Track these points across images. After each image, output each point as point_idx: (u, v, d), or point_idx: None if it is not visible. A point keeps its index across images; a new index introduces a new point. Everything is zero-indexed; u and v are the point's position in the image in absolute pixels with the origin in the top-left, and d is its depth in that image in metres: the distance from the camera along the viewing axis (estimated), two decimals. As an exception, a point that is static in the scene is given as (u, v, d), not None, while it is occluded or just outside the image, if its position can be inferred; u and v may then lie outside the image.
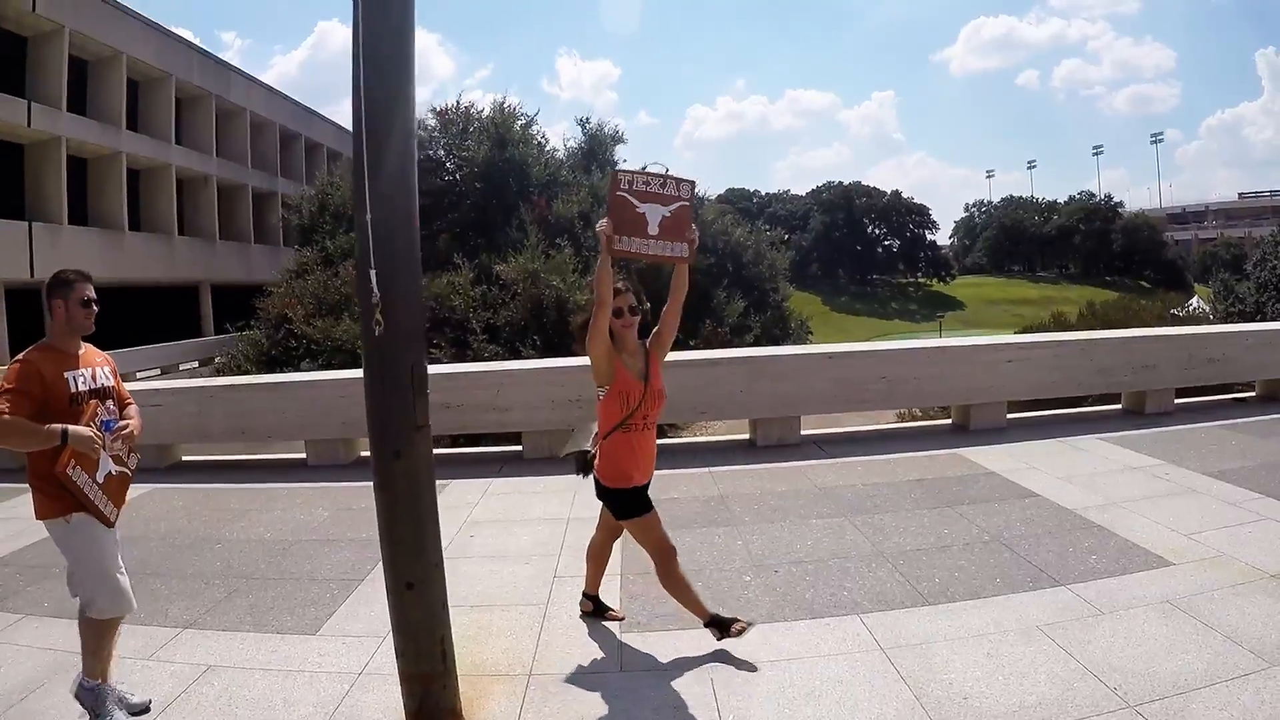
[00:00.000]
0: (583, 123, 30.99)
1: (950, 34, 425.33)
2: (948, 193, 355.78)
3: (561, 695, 4.14)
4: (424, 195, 22.83)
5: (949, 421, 10.44)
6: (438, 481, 7.81)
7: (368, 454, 9.61)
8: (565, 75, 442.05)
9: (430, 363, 13.17)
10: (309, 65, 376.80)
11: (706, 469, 8.43)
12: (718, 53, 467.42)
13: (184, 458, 10.15)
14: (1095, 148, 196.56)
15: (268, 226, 48.57)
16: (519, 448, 9.62)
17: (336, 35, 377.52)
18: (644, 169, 4.43)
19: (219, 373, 26.27)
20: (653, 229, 4.20)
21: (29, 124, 33.07)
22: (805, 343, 29.27)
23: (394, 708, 3.93)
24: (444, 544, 6.10)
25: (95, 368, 4.11)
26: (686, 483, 7.96)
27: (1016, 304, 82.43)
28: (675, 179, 4.27)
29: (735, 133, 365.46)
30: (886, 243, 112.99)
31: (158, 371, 33.75)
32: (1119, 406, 10.83)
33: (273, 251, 46.85)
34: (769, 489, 7.68)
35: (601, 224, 4.18)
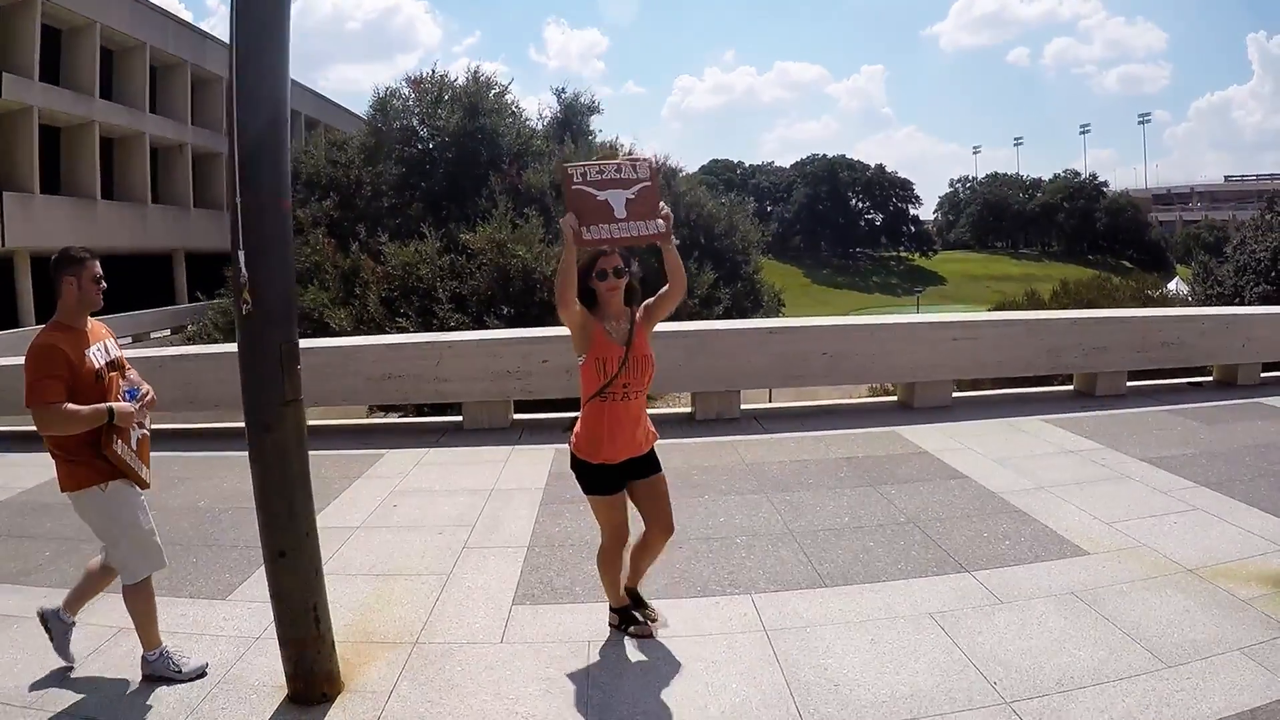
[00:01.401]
0: (559, 92, 30.72)
1: (941, 9, 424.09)
2: (936, 168, 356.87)
3: (440, 663, 4.19)
4: (398, 164, 22.93)
5: (895, 399, 10.30)
6: (372, 452, 8.34)
7: (313, 422, 9.70)
8: (553, 44, 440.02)
9: (397, 332, 13.22)
10: (295, 30, 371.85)
11: (661, 441, 8.24)
12: (707, 23, 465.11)
13: None
14: (1083, 126, 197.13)
15: (244, 194, 48.11)
16: (460, 418, 9.63)
17: (324, 2, 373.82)
18: (595, 159, 4.03)
19: (189, 341, 26.19)
20: (620, 212, 3.95)
21: (0, 94, 32.66)
22: (777, 315, 29.26)
23: (279, 670, 3.96)
24: (366, 514, 6.30)
25: (103, 340, 4.16)
26: None
27: (998, 280, 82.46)
28: (630, 161, 4.05)
29: (723, 104, 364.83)
30: (870, 216, 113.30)
31: (129, 340, 33.11)
32: (1071, 388, 10.71)
33: (247, 218, 46.45)
34: (697, 463, 7.58)
35: (566, 219, 3.91)
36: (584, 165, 4.01)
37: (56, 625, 4.26)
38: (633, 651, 4.29)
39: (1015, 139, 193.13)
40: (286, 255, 3.75)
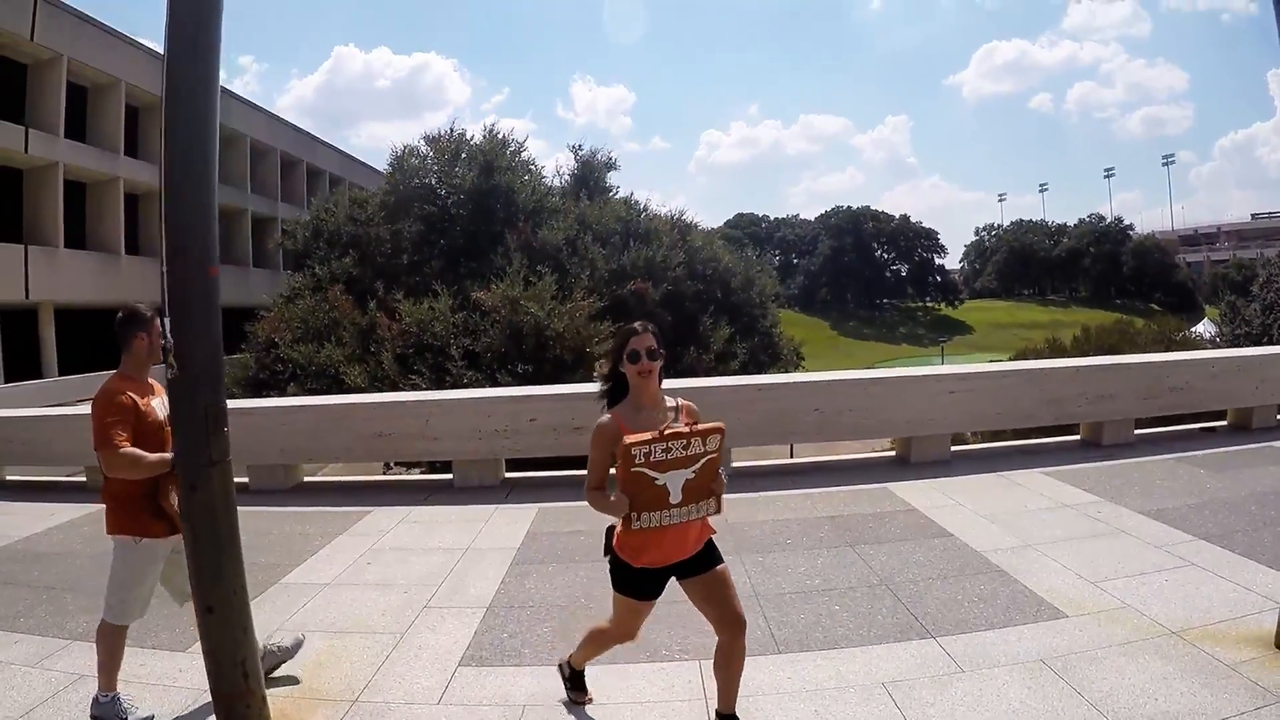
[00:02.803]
0: (575, 149, 31.07)
1: (963, 59, 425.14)
2: (962, 216, 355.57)
3: None
4: (416, 221, 23.19)
5: (893, 454, 10.03)
6: (359, 509, 8.36)
7: (310, 479, 9.70)
8: (580, 100, 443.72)
9: (410, 389, 13.29)
10: (325, 89, 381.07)
11: None
12: (732, 78, 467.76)
13: None
14: (1107, 170, 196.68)
15: (267, 251, 48.63)
16: (450, 476, 9.64)
17: (354, 60, 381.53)
18: (662, 432, 3.51)
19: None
20: (675, 496, 3.55)
21: (26, 150, 33.14)
22: (796, 368, 29.06)
23: (221, 723, 3.98)
24: (338, 571, 6.34)
25: (161, 395, 4.40)
26: (597, 518, 7.56)
27: (1025, 328, 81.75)
28: (703, 432, 3.56)
29: (749, 158, 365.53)
30: (895, 267, 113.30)
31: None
32: (1078, 438, 10.40)
33: (272, 275, 46.83)
34: None
35: (617, 502, 3.54)
36: (649, 442, 3.49)
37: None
38: (568, 717, 4.22)
39: (1040, 185, 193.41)
40: (212, 321, 3.82)
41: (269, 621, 5.08)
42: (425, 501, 8.74)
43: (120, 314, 4.36)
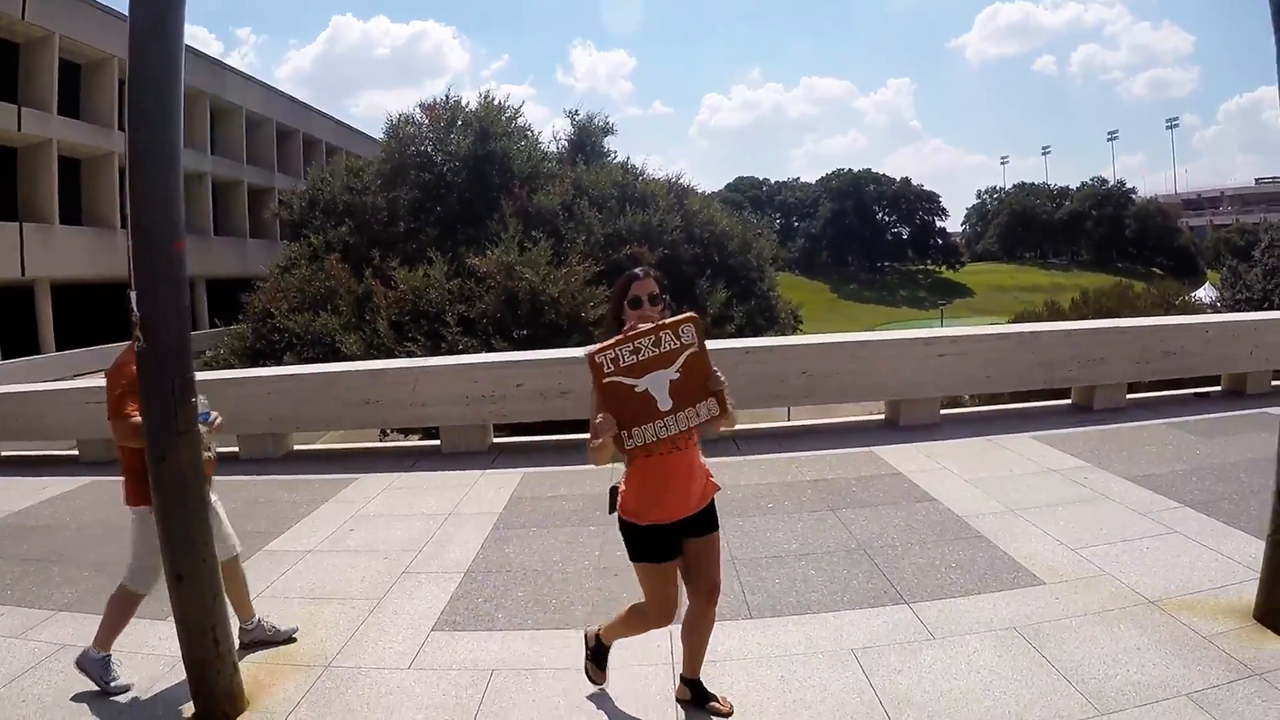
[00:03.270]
0: (571, 114, 30.76)
1: (966, 20, 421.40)
2: (964, 179, 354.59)
3: (344, 687, 4.24)
4: (412, 189, 23.09)
5: (883, 417, 9.99)
6: (347, 476, 8.43)
7: (300, 447, 9.73)
8: (580, 66, 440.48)
9: (404, 355, 13.38)
10: (323, 59, 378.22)
11: (612, 465, 8.06)
12: (733, 41, 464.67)
13: None
14: (1110, 133, 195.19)
15: (264, 221, 48.58)
16: (438, 442, 9.70)
17: (351, 29, 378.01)
18: (626, 333, 3.32)
19: (207, 366, 26.36)
20: (664, 402, 3.27)
21: (19, 128, 33.19)
22: (794, 332, 29.00)
23: (192, 689, 4.10)
24: (321, 538, 6.35)
25: None
26: (582, 479, 7.85)
27: (1026, 291, 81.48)
28: (671, 324, 3.31)
29: (751, 121, 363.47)
30: (896, 230, 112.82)
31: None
32: (1069, 401, 10.34)
33: (269, 246, 46.78)
34: None
35: (602, 425, 3.25)
36: (613, 347, 3.28)
37: (255, 633, 4.71)
38: (536, 681, 4.23)
39: (1043, 148, 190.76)
40: (179, 295, 3.87)
41: (253, 586, 5.02)
42: (413, 468, 8.78)
43: None
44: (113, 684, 4.30)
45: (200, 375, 11.71)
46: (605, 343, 3.33)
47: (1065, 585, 4.97)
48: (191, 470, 3.89)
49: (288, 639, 4.75)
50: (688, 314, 3.39)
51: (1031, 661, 4.09)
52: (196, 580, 3.93)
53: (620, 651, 4.20)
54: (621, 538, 3.61)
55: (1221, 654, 4.08)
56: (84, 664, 4.33)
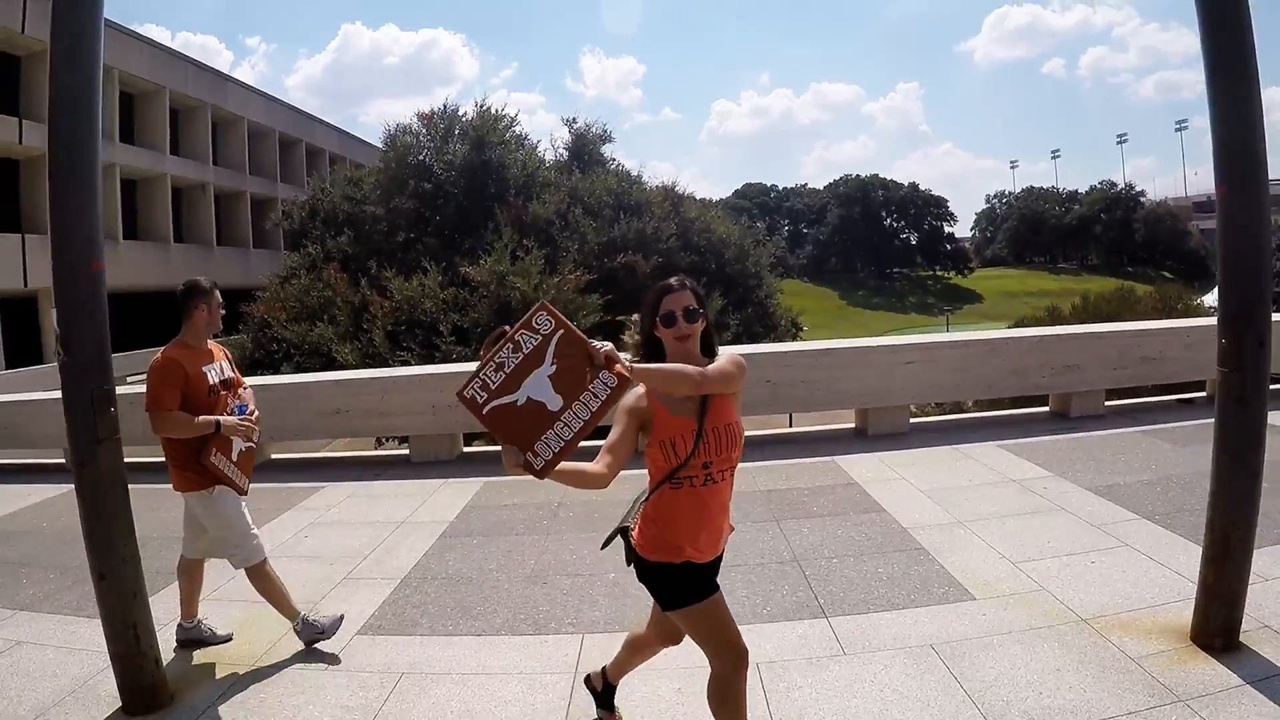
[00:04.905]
0: (569, 122, 30.69)
1: (974, 24, 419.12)
2: (975, 183, 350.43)
3: (264, 687, 4.38)
4: (410, 199, 23.13)
5: (852, 426, 9.88)
6: (313, 484, 8.52)
7: (276, 456, 9.72)
8: (590, 73, 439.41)
9: (399, 364, 13.45)
10: (333, 68, 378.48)
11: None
12: (742, 48, 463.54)
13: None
14: (1119, 136, 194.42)
15: (267, 232, 48.84)
16: (408, 451, 9.86)
17: (361, 38, 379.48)
18: (482, 355, 2.97)
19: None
20: (553, 401, 2.88)
21: (20, 140, 33.62)
22: (793, 339, 28.84)
23: (124, 683, 4.26)
24: (275, 545, 6.50)
25: (220, 362, 4.79)
26: (536, 489, 7.69)
27: (1035, 296, 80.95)
28: (523, 325, 2.94)
29: (761, 128, 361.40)
30: (905, 236, 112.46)
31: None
32: (1048, 409, 10.20)
33: (272, 256, 46.93)
34: (611, 497, 7.24)
35: (507, 458, 2.87)
36: (477, 375, 2.93)
37: (191, 631, 4.91)
38: (436, 687, 4.29)
39: (1053, 152, 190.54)
40: (97, 313, 4.05)
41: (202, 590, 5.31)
42: (380, 476, 8.89)
43: (183, 285, 4.73)
44: (327, 627, 4.80)
45: None
46: (468, 375, 2.96)
47: (996, 601, 4.84)
48: (110, 475, 4.06)
49: (222, 642, 4.91)
50: (536, 305, 3.01)
51: (940, 681, 3.96)
52: (117, 579, 4.09)
53: (529, 660, 4.32)
54: (646, 587, 3.20)
55: (1147, 678, 3.90)
56: (304, 636, 4.78)
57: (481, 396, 2.91)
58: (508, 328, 2.98)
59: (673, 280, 3.15)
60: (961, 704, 3.76)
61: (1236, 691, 3.70)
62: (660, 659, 4.27)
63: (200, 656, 4.77)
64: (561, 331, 2.90)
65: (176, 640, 4.84)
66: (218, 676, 4.51)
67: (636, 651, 3.65)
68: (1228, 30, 4.08)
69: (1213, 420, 8.45)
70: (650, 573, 3.13)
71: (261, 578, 4.76)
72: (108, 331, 4.12)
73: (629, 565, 3.22)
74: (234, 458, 4.64)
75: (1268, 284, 4.17)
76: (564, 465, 2.88)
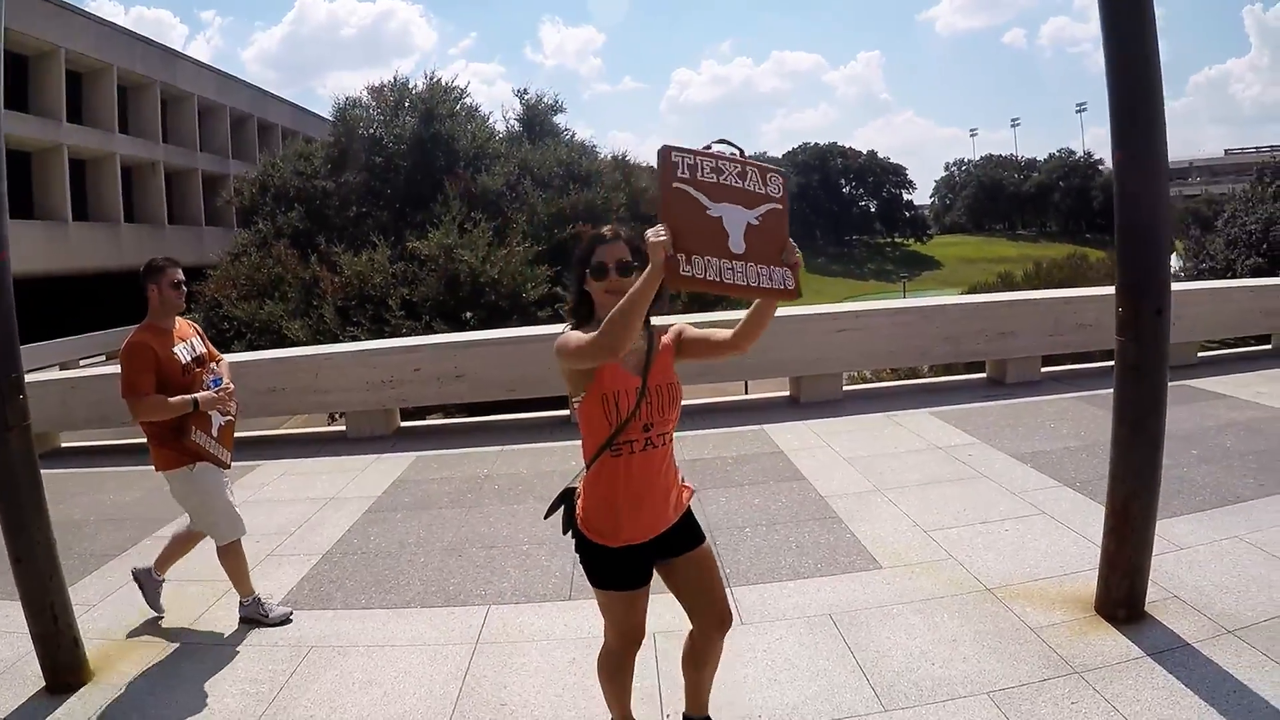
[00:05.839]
0: (520, 93, 30.38)
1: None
2: (936, 151, 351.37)
3: (180, 662, 4.44)
4: (360, 172, 22.85)
5: (788, 394, 9.86)
6: (250, 463, 8.34)
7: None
8: (549, 43, 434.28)
9: (349, 340, 13.44)
10: (290, 40, 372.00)
11: (505, 447, 8.43)
12: (703, 15, 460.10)
13: (65, 443, 10.54)
14: (1079, 105, 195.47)
15: (219, 210, 48.22)
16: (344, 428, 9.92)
17: (318, 9, 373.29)
18: (708, 147, 2.66)
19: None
20: (736, 243, 2.59)
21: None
22: (746, 306, 28.87)
23: (52, 663, 4.33)
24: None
25: (190, 339, 4.74)
26: (469, 462, 7.96)
27: (994, 262, 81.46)
28: (758, 165, 2.68)
29: (721, 96, 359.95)
30: (864, 203, 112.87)
31: (103, 358, 33.36)
32: (985, 376, 10.22)
33: (225, 234, 46.03)
34: (538, 469, 7.53)
35: (655, 232, 2.47)
36: (695, 152, 2.60)
37: (148, 582, 4.96)
38: (340, 657, 4.35)
39: (1013, 120, 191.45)
40: (4, 300, 4.07)
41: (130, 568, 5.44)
42: (317, 453, 8.84)
43: (142, 268, 4.67)
44: (272, 615, 4.80)
45: (115, 369, 11.86)
46: (683, 146, 2.61)
47: (902, 570, 4.82)
48: (23, 460, 4.10)
49: (282, 622, 4.86)
50: (777, 166, 2.79)
51: (833, 651, 3.93)
52: (32, 561, 4.13)
53: (433, 631, 4.50)
54: (578, 556, 3.01)
55: (1044, 648, 3.85)
56: (244, 613, 4.81)
57: (683, 172, 2.56)
58: (748, 157, 2.72)
59: (605, 230, 2.90)
60: (851, 673, 3.72)
61: (1134, 664, 3.67)
62: (565, 628, 4.35)
63: (122, 635, 4.79)
64: (779, 209, 2.71)
65: (239, 618, 4.88)
66: (138, 654, 4.53)
67: (703, 666, 3.18)
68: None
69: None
70: (587, 548, 2.93)
71: (232, 554, 4.80)
72: (14, 319, 4.14)
73: (566, 533, 3.02)
74: (214, 433, 4.64)
75: (1164, 251, 4.15)
76: (647, 299, 2.48)
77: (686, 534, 3.01)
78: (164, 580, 5.02)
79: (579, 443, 2.96)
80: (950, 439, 7.52)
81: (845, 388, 9.67)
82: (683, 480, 3.10)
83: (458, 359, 9.25)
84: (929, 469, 6.72)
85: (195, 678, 4.22)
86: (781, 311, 2.54)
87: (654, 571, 2.97)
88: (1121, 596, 4.12)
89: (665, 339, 2.98)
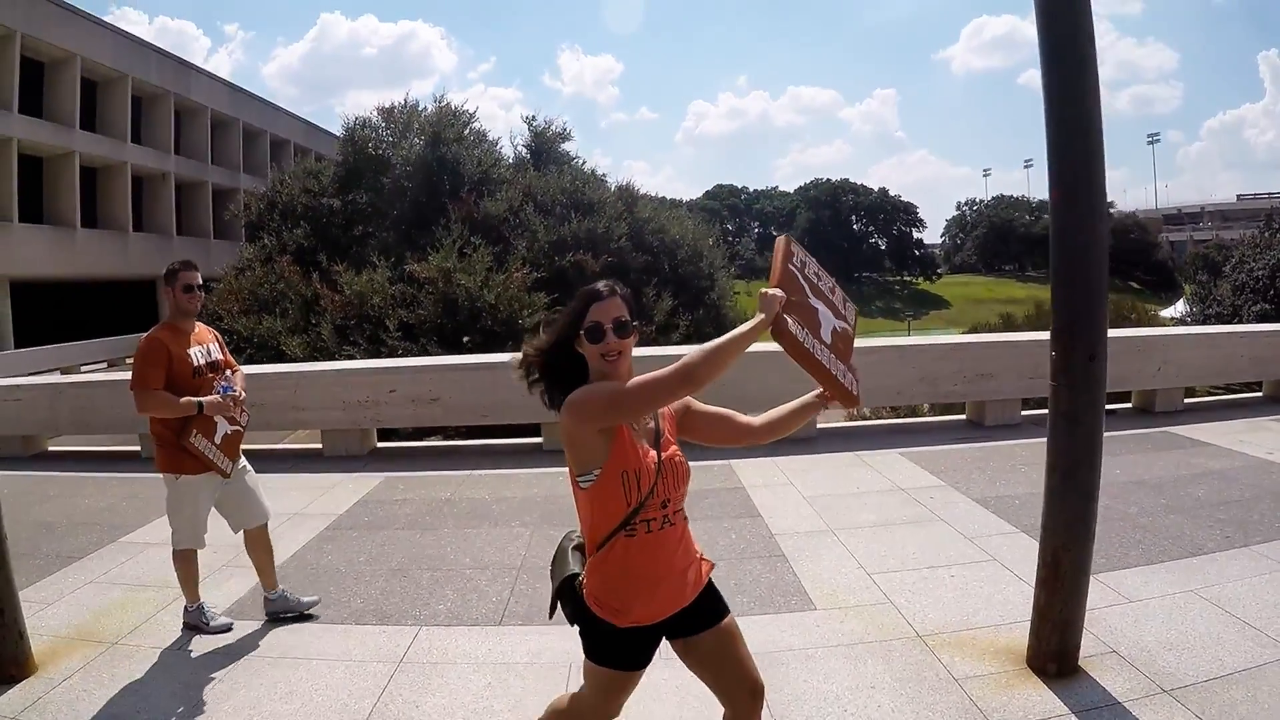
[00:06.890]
0: (529, 120, 30.67)
1: (953, 32, 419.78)
2: (948, 190, 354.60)
3: (120, 662, 4.56)
4: (367, 192, 23.09)
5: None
6: None
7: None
8: (568, 70, 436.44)
9: (345, 359, 13.58)
10: (311, 57, 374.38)
11: (471, 472, 8.48)
12: (720, 49, 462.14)
13: (53, 447, 10.80)
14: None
15: (228, 223, 48.54)
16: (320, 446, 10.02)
17: (340, 28, 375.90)
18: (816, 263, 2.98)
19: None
20: (825, 333, 2.84)
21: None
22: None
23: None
24: (170, 533, 6.05)
25: (207, 344, 4.88)
26: (433, 485, 8.03)
27: (1002, 303, 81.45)
28: (842, 291, 3.10)
29: (737, 129, 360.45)
30: (874, 240, 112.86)
31: (105, 364, 33.70)
32: (964, 417, 10.18)
33: (232, 247, 46.34)
34: (499, 494, 7.54)
35: (771, 295, 2.62)
36: (806, 253, 2.95)
37: (277, 604, 5.08)
38: (268, 669, 4.46)
39: (1025, 161, 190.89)
40: None
41: (92, 571, 5.96)
42: (293, 469, 8.94)
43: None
44: (212, 624, 4.90)
45: (95, 377, 11.84)
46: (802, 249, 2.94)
47: (837, 612, 4.79)
48: None
49: (307, 610, 5.10)
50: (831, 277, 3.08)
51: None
52: None
53: (368, 649, 4.66)
54: (579, 631, 2.73)
55: (964, 700, 3.79)
56: (187, 619, 4.93)
57: (795, 262, 2.88)
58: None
59: (600, 285, 2.67)
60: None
61: (1055, 722, 3.59)
62: (490, 654, 4.49)
63: (71, 634, 4.92)
64: (851, 331, 3.09)
65: (266, 613, 5.07)
66: (80, 652, 4.67)
67: None
68: (1063, 20, 3.94)
69: (1133, 432, 8.53)
70: (589, 620, 2.67)
71: (184, 561, 4.89)
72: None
73: (572, 625, 2.75)
74: (217, 440, 4.72)
75: (1100, 295, 4.11)
76: (742, 349, 2.66)
77: (710, 607, 2.83)
78: (283, 590, 5.14)
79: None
80: (916, 480, 7.48)
81: (820, 425, 9.63)
82: (701, 555, 2.89)
83: (433, 382, 9.36)
84: (887, 510, 6.68)
85: (131, 678, 4.37)
86: (755, 347, 2.57)
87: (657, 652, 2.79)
88: (1052, 650, 4.04)
89: (665, 410, 2.83)
